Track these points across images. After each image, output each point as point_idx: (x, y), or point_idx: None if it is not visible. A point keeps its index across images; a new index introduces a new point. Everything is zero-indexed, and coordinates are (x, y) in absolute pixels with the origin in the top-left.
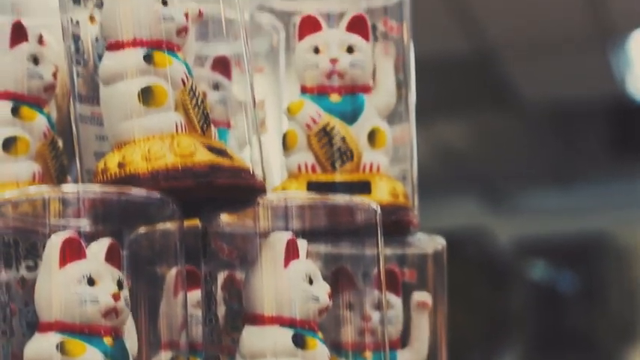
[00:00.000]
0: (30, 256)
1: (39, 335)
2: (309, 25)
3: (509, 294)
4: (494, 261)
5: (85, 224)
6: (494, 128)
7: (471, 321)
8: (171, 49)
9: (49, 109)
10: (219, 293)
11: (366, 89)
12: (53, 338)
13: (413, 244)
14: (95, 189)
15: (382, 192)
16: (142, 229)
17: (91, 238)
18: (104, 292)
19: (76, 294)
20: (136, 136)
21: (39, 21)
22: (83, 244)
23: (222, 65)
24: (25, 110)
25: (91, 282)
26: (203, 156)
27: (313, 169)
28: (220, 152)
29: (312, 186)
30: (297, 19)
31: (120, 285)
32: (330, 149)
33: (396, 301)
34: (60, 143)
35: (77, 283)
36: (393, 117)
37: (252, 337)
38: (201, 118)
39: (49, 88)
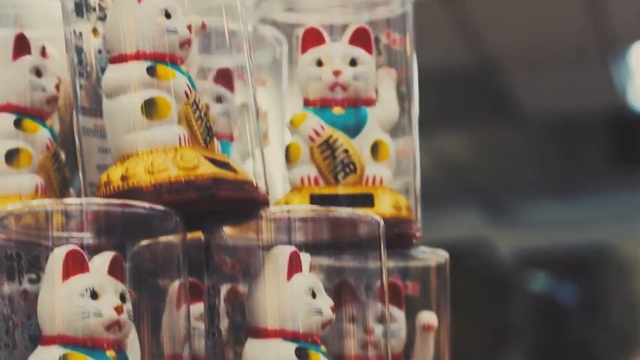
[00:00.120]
0: (33, 269)
1: (41, 348)
2: (312, 38)
3: (510, 305)
4: (495, 273)
5: (88, 237)
6: (496, 140)
7: (472, 332)
8: (175, 61)
9: (51, 122)
10: (222, 306)
11: (369, 102)
12: (56, 351)
13: (416, 257)
14: (98, 202)
15: (385, 205)
16: (145, 242)
17: (94, 251)
18: (107, 305)
19: (79, 307)
20: (139, 149)
21: (42, 33)
22: (86, 257)
23: (224, 78)
24: (28, 123)
25: (94, 295)
26: (206, 169)
27: (316, 182)
28: (223, 165)
29: (314, 199)
30: (300, 32)
31: (123, 298)
32: (333, 162)
33: (398, 314)
34: (62, 156)
35: (80, 296)
36: (396, 130)
37: (255, 350)
38: (204, 131)
39: (52, 101)
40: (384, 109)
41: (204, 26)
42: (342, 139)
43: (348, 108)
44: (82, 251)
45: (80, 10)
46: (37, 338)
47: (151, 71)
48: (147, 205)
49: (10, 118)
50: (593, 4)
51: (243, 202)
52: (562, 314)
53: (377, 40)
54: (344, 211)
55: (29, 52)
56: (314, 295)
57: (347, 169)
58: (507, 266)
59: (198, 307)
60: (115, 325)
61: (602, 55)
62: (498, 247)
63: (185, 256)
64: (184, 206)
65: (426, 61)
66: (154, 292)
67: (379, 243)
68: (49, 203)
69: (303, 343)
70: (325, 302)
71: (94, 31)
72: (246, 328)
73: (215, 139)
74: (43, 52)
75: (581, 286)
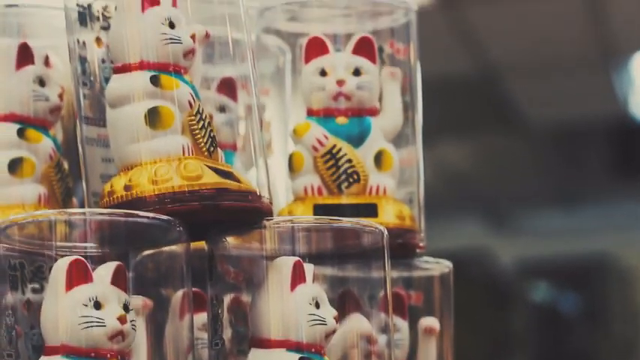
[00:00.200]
0: (36, 278)
1: (45, 359)
2: (316, 47)
3: (511, 315)
4: (496, 282)
5: (91, 247)
6: (498, 149)
7: (474, 342)
8: (178, 71)
9: (54, 131)
10: (226, 316)
11: (373, 112)
12: None
13: (419, 267)
14: (102, 212)
15: (389, 215)
16: (149, 252)
17: (97, 260)
18: (110, 315)
19: (83, 317)
20: (142, 159)
21: (45, 42)
22: (90, 267)
23: (228, 87)
24: (31, 132)
25: (97, 305)
26: (210, 179)
27: (319, 192)
28: (227, 175)
29: (318, 209)
30: (304, 41)
31: (126, 308)
32: (337, 172)
33: (402, 324)
34: (66, 165)
35: (83, 306)
36: (400, 139)
37: None
38: (207, 141)
39: (55, 110)
40: (388, 119)
41: (207, 36)
42: (345, 148)
43: (351, 118)
44: (85, 261)
45: (84, 19)
46: (40, 348)
47: (154, 81)
48: (150, 214)
49: (13, 128)
50: (595, 13)
51: (247, 212)
52: (563, 323)
53: (381, 49)
54: (347, 221)
55: (32, 62)
56: (317, 306)
57: (350, 179)
58: (509, 275)
59: (201, 317)
60: (118, 335)
61: (604, 64)
62: (500, 257)
63: (188, 266)
64: (188, 216)
65: (429, 70)
66: (158, 302)
67: (383, 253)
68: (52, 213)
69: (306, 353)
70: (329, 312)
71: (98, 40)
72: (249, 339)
73: (219, 149)
74: (47, 62)
75: (583, 296)
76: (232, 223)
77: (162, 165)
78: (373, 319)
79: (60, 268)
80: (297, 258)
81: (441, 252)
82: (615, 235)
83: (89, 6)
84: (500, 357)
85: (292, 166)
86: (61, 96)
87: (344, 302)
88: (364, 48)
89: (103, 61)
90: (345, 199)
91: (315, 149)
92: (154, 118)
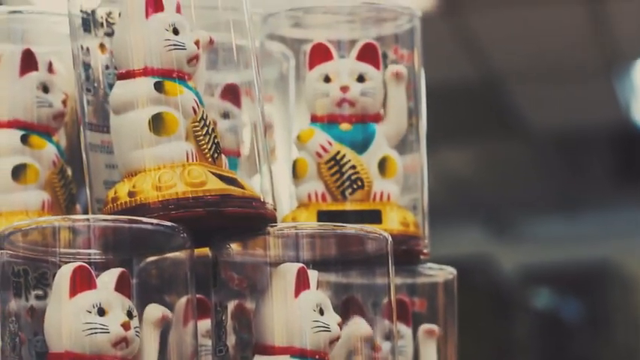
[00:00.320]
0: (39, 285)
1: None
2: (320, 54)
3: (513, 322)
4: (498, 289)
5: (95, 253)
6: (499, 156)
7: (476, 348)
8: (182, 77)
9: (58, 138)
10: (230, 323)
11: (377, 118)
12: None
13: (423, 274)
14: (106, 218)
15: (393, 221)
16: (152, 258)
17: (101, 267)
18: (114, 322)
19: (86, 324)
20: (146, 165)
21: (48, 48)
22: (93, 273)
23: (231, 93)
24: (35, 139)
25: (101, 312)
26: (214, 185)
27: (323, 198)
28: (231, 181)
29: (322, 215)
30: (308, 48)
31: (130, 314)
32: (341, 178)
33: (406, 331)
34: (69, 172)
35: (87, 312)
36: (404, 146)
37: None
38: (211, 147)
39: (59, 116)
40: (392, 125)
41: (211, 42)
42: (349, 155)
43: (355, 124)
44: (89, 268)
45: (88, 25)
46: (44, 355)
47: (158, 87)
48: (154, 221)
49: (16, 134)
50: (598, 20)
51: (251, 218)
52: (565, 330)
53: (385, 55)
54: (351, 228)
55: (36, 68)
56: (321, 312)
57: (354, 185)
58: (511, 282)
59: (205, 324)
60: (122, 342)
61: (606, 70)
62: (501, 263)
63: (192, 272)
64: (192, 222)
65: (431, 76)
66: None
67: (387, 259)
68: (56, 219)
69: (310, 359)
70: (333, 319)
71: (102, 46)
72: (253, 345)
73: (222, 155)
74: (50, 68)
75: (585, 303)
76: (236, 230)
77: (166, 171)
78: (377, 325)
79: (64, 274)
80: (301, 264)
81: (443, 259)
82: (617, 242)
83: (93, 12)
84: None
85: (296, 172)
86: (64, 102)
87: (348, 309)
88: (368, 54)
89: (107, 67)
90: (349, 206)
91: (319, 155)
92: (157, 124)
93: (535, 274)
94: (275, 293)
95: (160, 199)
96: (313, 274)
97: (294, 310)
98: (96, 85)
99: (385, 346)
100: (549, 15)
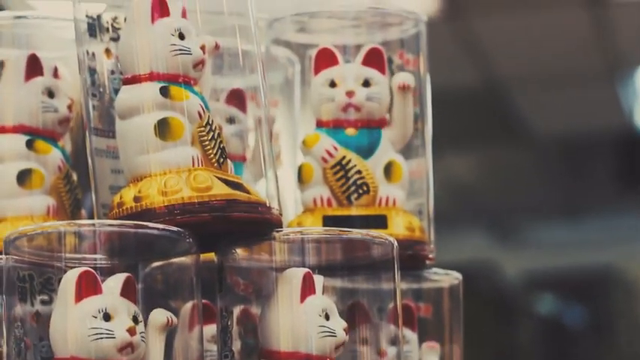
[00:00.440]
0: (45, 290)
1: None
2: (325, 59)
3: (516, 327)
4: (501, 294)
5: (100, 258)
6: (503, 161)
7: (479, 354)
8: (188, 82)
9: (63, 142)
10: (235, 328)
11: (383, 123)
12: None
13: (428, 279)
14: (111, 223)
15: (398, 226)
16: (158, 263)
17: (107, 272)
18: (120, 327)
19: (92, 329)
20: (152, 170)
21: (54, 53)
22: (99, 278)
23: (237, 98)
24: (40, 144)
25: (106, 317)
26: (220, 190)
27: (329, 203)
28: (237, 186)
29: (327, 220)
30: (313, 53)
31: (136, 320)
32: (346, 183)
33: (411, 336)
34: (74, 177)
35: (93, 317)
36: (410, 151)
37: None
38: (217, 152)
39: (64, 121)
40: (398, 130)
41: (217, 47)
42: (355, 160)
43: (361, 129)
44: (94, 273)
45: (93, 30)
46: None
47: (164, 92)
48: (160, 226)
49: (22, 139)
50: (601, 26)
51: (257, 223)
52: (568, 336)
53: (390, 60)
54: (357, 233)
55: (41, 73)
56: (327, 317)
57: (360, 190)
58: (514, 288)
59: (210, 329)
60: (127, 347)
61: (609, 76)
62: (505, 269)
63: (198, 277)
64: (197, 227)
65: (433, 81)
66: None
67: (392, 264)
68: (62, 224)
69: None
70: (338, 324)
71: (107, 51)
72: (258, 350)
73: (228, 160)
74: (56, 73)
75: (588, 308)
76: (242, 235)
77: (172, 176)
78: (382, 330)
79: (69, 279)
80: (306, 269)
81: (447, 264)
82: (621, 247)
83: (99, 17)
84: None
85: (301, 177)
86: (70, 107)
87: (354, 314)
88: (374, 59)
89: (113, 72)
90: (354, 211)
91: (325, 160)
92: (163, 129)
93: (538, 279)
94: (281, 298)
95: (165, 204)
96: (319, 279)
97: (300, 315)
98: (101, 90)
99: (391, 351)
100: (552, 20)
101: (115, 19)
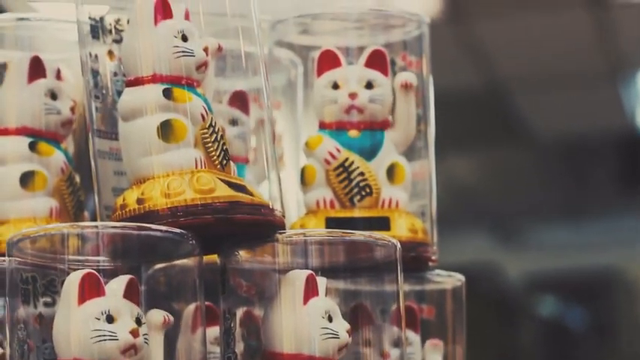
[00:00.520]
0: (48, 292)
1: None
2: (328, 60)
3: (518, 329)
4: (503, 296)
5: (103, 260)
6: (505, 163)
7: (481, 356)
8: (191, 84)
9: (66, 144)
10: (238, 330)
11: (385, 124)
12: None
13: (431, 280)
14: (114, 225)
15: (401, 228)
16: (161, 265)
17: (110, 274)
18: (123, 329)
19: (95, 331)
20: (155, 172)
21: (57, 55)
22: (102, 280)
23: (240, 100)
24: (43, 146)
25: (109, 319)
26: (223, 192)
27: (332, 205)
28: (240, 188)
29: (330, 222)
30: (316, 54)
31: (139, 321)
32: (349, 185)
33: (414, 338)
34: (77, 179)
35: (96, 319)
36: (412, 152)
37: None
38: (220, 154)
39: (67, 123)
40: (400, 132)
41: (220, 49)
42: (358, 161)
43: (363, 131)
44: (97, 275)
45: (96, 32)
46: None
47: (167, 94)
48: (163, 228)
49: (25, 141)
50: (603, 27)
51: (260, 225)
52: (570, 338)
53: (393, 62)
54: (360, 235)
55: (44, 75)
56: (330, 319)
57: (363, 192)
58: (515, 290)
59: (213, 331)
60: (131, 349)
61: (611, 77)
62: (506, 271)
63: (201, 279)
64: (200, 229)
65: (435, 83)
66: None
67: (395, 266)
68: (65, 226)
69: None
70: (341, 326)
71: (110, 53)
72: (261, 352)
73: (231, 162)
74: (58, 75)
75: (590, 310)
76: (245, 237)
77: (175, 178)
78: (385, 332)
79: (72, 281)
80: (309, 271)
81: (448, 266)
82: (622, 249)
83: (101, 19)
84: None
85: (304, 179)
86: (72, 109)
87: (356, 316)
88: (376, 61)
89: (115, 74)
90: (357, 213)
91: (328, 162)
92: (166, 131)
93: (540, 281)
94: (284, 300)
95: (168, 206)
96: (322, 281)
97: (303, 317)
98: (104, 92)
99: (394, 353)
100: (555, 22)
101: (117, 21)
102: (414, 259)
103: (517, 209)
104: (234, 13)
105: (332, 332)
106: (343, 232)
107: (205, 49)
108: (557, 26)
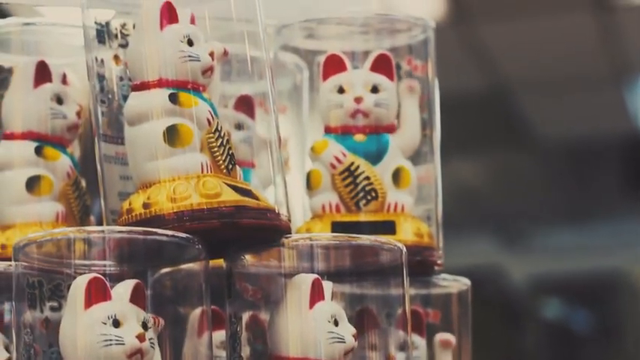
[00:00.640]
0: (54, 296)
1: None
2: (334, 65)
3: (523, 332)
4: (508, 299)
5: (110, 265)
6: (509, 166)
7: (486, 359)
8: (197, 89)
9: (72, 149)
10: (244, 334)
11: (391, 129)
12: None
13: (437, 285)
14: (120, 229)
15: (407, 232)
16: (167, 270)
17: (116, 278)
18: (129, 333)
19: (101, 335)
20: (161, 177)
21: (62, 60)
22: (108, 284)
23: (245, 105)
24: (49, 150)
25: (116, 323)
26: (229, 196)
27: (337, 209)
28: (246, 192)
29: (336, 226)
30: (321, 59)
31: (145, 326)
32: (355, 189)
33: (420, 341)
34: (83, 183)
35: (102, 324)
36: (418, 156)
37: None
38: (226, 159)
39: (73, 128)
40: (406, 136)
41: (226, 53)
42: (363, 166)
43: (369, 135)
44: (104, 279)
45: (102, 37)
46: None
47: (173, 98)
48: (169, 232)
49: (31, 146)
50: (608, 31)
51: (266, 229)
52: (575, 341)
53: (398, 66)
54: (366, 239)
55: (50, 80)
56: (336, 323)
57: (368, 196)
58: (521, 293)
59: (219, 335)
60: (137, 354)
61: (615, 81)
62: (511, 274)
63: (207, 283)
64: (206, 234)
65: (440, 87)
66: (176, 320)
67: (401, 270)
68: (71, 231)
69: None
70: (347, 330)
71: (116, 58)
72: (267, 356)
73: (237, 167)
74: (64, 80)
75: (595, 313)
76: (251, 241)
77: (181, 183)
78: (391, 336)
79: (78, 286)
80: (315, 275)
81: (453, 269)
82: (627, 251)
83: (107, 24)
84: None
85: (310, 183)
86: (78, 114)
87: (362, 320)
88: (382, 65)
89: (121, 78)
90: (363, 217)
91: (333, 167)
92: (172, 135)
93: (545, 284)
94: (290, 304)
95: (174, 211)
96: (328, 285)
97: (309, 321)
98: (110, 96)
99: (399, 356)
100: (558, 25)
101: (123, 25)
102: (419, 263)
103: (522, 212)
104: (239, 18)
105: (338, 336)
106: (349, 237)
107: (211, 54)
108: (561, 29)
